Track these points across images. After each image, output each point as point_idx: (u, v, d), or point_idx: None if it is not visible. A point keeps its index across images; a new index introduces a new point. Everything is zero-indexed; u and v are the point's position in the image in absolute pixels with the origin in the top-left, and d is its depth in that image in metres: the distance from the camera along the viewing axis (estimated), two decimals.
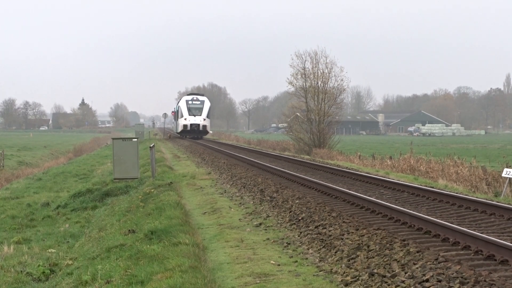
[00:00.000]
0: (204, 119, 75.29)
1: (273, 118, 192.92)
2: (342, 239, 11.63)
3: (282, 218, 15.17)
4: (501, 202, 16.67)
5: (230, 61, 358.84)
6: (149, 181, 25.40)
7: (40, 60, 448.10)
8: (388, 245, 10.51)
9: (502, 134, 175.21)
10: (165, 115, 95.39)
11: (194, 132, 75.63)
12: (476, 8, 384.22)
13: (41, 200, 28.22)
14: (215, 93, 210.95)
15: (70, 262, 14.17)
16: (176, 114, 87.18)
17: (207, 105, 76.24)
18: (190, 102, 75.68)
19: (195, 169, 30.56)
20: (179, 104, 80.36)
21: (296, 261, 10.76)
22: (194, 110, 75.12)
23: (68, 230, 20.64)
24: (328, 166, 28.39)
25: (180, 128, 77.15)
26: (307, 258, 10.97)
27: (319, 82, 57.82)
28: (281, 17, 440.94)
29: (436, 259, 9.22)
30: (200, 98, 77.35)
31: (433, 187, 20.06)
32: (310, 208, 15.40)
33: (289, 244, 12.20)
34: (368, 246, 10.70)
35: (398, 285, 8.44)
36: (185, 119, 74.79)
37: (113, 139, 29.61)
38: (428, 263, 9.11)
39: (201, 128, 75.17)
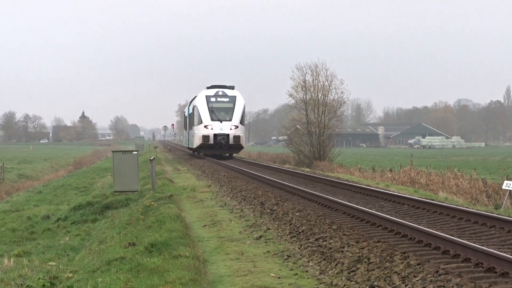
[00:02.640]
0: (236, 126, 48.98)
1: (273, 130, 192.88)
2: (342, 251, 11.62)
3: (282, 230, 15.16)
4: (501, 214, 16.67)
5: (230, 74, 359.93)
6: (149, 194, 25.39)
7: (40, 73, 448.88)
8: (388, 257, 10.50)
9: (502, 147, 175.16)
10: (165, 127, 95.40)
11: (220, 148, 49.28)
12: (476, 20, 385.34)
13: (41, 213, 28.19)
14: None
15: (70, 275, 14.14)
16: (189, 119, 59.06)
17: (240, 103, 49.78)
18: (213, 100, 49.40)
19: (195, 182, 30.55)
20: (195, 102, 52.05)
21: (297, 274, 10.75)
22: (220, 112, 49.40)
23: (68, 243, 20.62)
24: (328, 178, 28.39)
25: (196, 142, 50.14)
26: (307, 271, 10.96)
27: (320, 95, 57.94)
28: (282, 31, 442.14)
29: (437, 272, 9.21)
30: (229, 92, 50.41)
31: (433, 200, 20.05)
32: (311, 220, 15.39)
33: (289, 256, 12.19)
34: (369, 259, 10.70)
35: None
36: (205, 126, 48.89)
37: (113, 152, 29.62)
38: (429, 275, 9.10)
39: (232, 140, 48.72)
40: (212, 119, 48.77)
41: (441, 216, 15.83)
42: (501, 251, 10.37)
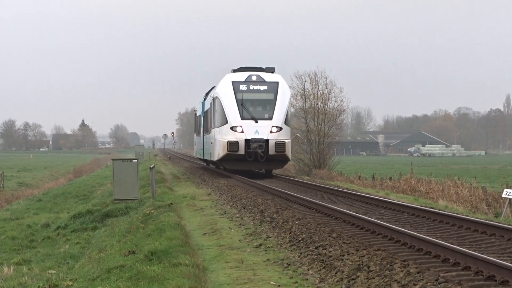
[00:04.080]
0: (280, 128, 34.55)
1: None
2: (342, 259, 11.62)
3: (282, 239, 15.16)
4: (501, 222, 16.66)
5: None
6: (149, 202, 25.39)
7: (40, 81, 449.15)
8: (388, 265, 10.50)
9: (502, 155, 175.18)
10: (165, 136, 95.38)
11: (255, 161, 34.46)
12: (476, 29, 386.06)
13: (41, 221, 28.18)
14: None
15: (70, 283, 14.13)
16: (204, 120, 44.43)
17: (285, 92, 35.37)
18: (243, 88, 34.89)
19: (195, 190, 30.55)
20: (215, 93, 36.68)
21: (297, 282, 10.75)
22: (255, 107, 35.13)
23: (68, 251, 20.61)
24: (328, 186, 28.38)
25: (218, 151, 35.29)
26: (307, 279, 10.96)
27: (319, 103, 57.90)
28: (282, 41, 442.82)
29: (437, 280, 9.21)
30: (268, 77, 35.46)
31: (433, 208, 20.04)
32: (310, 229, 15.39)
33: (289, 264, 12.19)
34: (369, 267, 10.70)
35: None
36: (232, 128, 34.48)
37: (113, 160, 29.63)
38: (429, 283, 9.10)
39: (273, 149, 34.08)
40: (243, 117, 33.76)
41: (441, 224, 15.83)
42: (501, 259, 10.37)
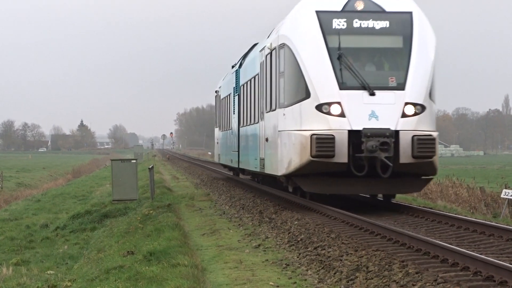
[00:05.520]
0: (421, 108, 17.49)
1: None
2: (341, 260, 11.62)
3: (281, 239, 15.17)
4: (500, 223, 16.67)
5: None
6: (148, 202, 25.39)
7: (39, 82, 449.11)
8: (387, 266, 10.51)
9: (501, 155, 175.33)
10: (163, 136, 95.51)
11: (369, 175, 17.14)
12: (475, 29, 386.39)
13: (40, 222, 28.17)
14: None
15: (69, 283, 14.12)
16: (242, 96, 26.54)
17: (425, 36, 18.11)
18: (341, 24, 17.86)
19: (194, 191, 30.56)
20: (282, 37, 18.71)
21: (295, 282, 10.74)
22: (364, 63, 18.10)
23: (67, 252, 20.60)
24: None
25: (288, 156, 17.95)
26: (306, 279, 10.96)
27: None
28: None
29: (435, 280, 9.22)
30: (389, 2, 18.22)
31: (431, 208, 20.05)
32: (309, 229, 15.39)
33: (288, 265, 12.19)
34: (367, 267, 10.70)
35: None
36: (319, 107, 17.33)
37: (111, 160, 29.61)
38: (427, 284, 9.11)
39: (410, 151, 16.99)
40: (344, 85, 17.58)
41: (439, 224, 15.83)
42: (499, 260, 10.38)
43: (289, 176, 18.98)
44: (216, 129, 38.15)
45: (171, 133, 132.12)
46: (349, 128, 17.14)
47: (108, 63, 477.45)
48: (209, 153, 75.53)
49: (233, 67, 31.59)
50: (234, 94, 29.39)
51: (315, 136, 17.03)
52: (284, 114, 18.71)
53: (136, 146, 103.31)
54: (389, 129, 17.05)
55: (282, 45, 18.72)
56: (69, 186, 52.12)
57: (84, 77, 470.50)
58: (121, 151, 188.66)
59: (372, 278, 10.05)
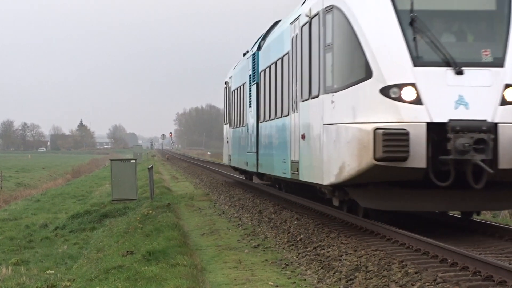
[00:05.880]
0: None
1: None
2: (340, 260, 11.63)
3: (280, 239, 15.17)
4: (499, 223, 16.68)
5: None
6: (147, 202, 25.38)
7: (38, 82, 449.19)
8: (386, 266, 10.51)
9: None
10: (163, 136, 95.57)
11: (455, 187, 12.19)
12: None
13: (39, 222, 28.15)
14: (214, 115, 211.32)
15: (68, 283, 14.13)
16: (266, 82, 21.47)
17: None
18: None
19: (194, 190, 30.57)
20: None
21: (295, 282, 10.75)
22: (446, 31, 13.19)
23: (66, 252, 20.60)
24: None
25: (339, 159, 13.21)
26: (305, 279, 10.96)
27: None
28: None
29: (434, 280, 9.22)
30: None
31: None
32: (309, 229, 15.39)
33: (287, 265, 12.19)
34: (367, 267, 10.70)
35: None
36: (384, 90, 12.54)
37: (111, 160, 29.60)
38: (426, 284, 9.11)
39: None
40: (420, 61, 12.68)
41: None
42: (499, 260, 10.39)
43: (339, 187, 14.24)
44: (226, 126, 33.45)
45: (171, 133, 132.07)
46: (429, 120, 12.39)
47: (108, 63, 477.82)
48: (208, 153, 75.39)
49: (244, 54, 28.12)
50: (250, 83, 24.90)
51: (380, 131, 12.23)
52: (332, 102, 13.86)
53: (136, 146, 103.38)
54: (485, 121, 12.29)
55: (329, 9, 13.97)
56: (68, 186, 52.10)
57: (84, 77, 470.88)
58: (120, 151, 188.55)
59: (371, 278, 10.06)
